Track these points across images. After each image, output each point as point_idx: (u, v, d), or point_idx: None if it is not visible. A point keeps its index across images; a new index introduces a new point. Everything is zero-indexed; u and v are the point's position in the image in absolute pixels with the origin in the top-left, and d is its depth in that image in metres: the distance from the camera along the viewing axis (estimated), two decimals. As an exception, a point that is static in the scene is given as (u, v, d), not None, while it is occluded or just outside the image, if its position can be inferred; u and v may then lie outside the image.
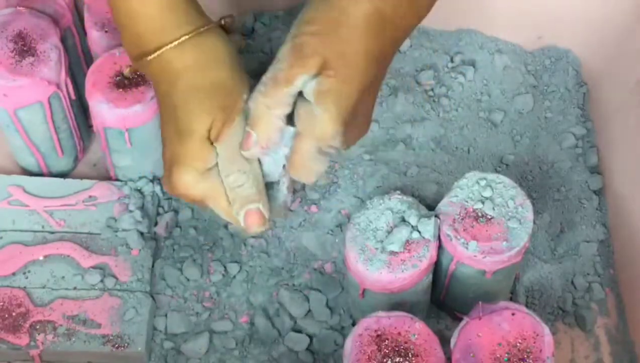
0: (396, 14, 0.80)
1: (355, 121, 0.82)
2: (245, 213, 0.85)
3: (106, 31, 1.03)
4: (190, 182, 0.84)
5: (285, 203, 0.88)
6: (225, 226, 1.04)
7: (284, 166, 0.85)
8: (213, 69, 0.84)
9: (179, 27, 0.83)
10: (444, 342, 0.88)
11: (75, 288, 0.99)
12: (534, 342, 0.86)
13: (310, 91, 0.80)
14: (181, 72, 0.83)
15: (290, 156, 0.83)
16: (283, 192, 0.87)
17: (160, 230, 1.03)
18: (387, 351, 0.86)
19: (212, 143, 0.84)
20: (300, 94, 0.81)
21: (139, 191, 1.05)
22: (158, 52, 0.83)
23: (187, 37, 0.83)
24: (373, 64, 0.80)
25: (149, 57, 0.83)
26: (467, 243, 0.90)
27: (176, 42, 0.83)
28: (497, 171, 1.07)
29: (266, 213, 0.85)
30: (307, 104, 0.81)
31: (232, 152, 0.84)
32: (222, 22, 0.86)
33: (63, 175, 1.08)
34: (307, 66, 0.79)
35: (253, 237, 1.03)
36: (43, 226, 1.02)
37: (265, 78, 0.81)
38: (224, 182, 0.85)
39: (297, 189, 1.03)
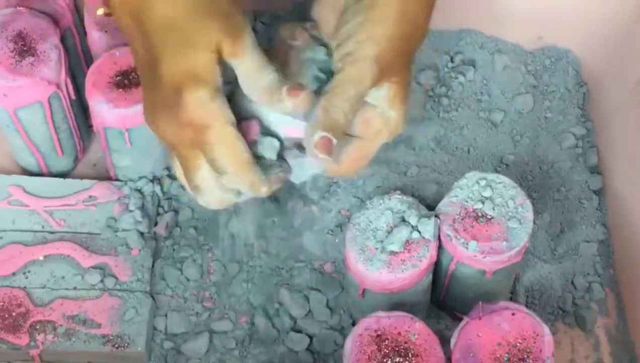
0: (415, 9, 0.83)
1: None
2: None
3: (106, 31, 1.03)
4: (203, 99, 0.79)
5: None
6: (225, 226, 1.04)
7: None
8: None
9: None
10: (444, 342, 0.88)
11: (75, 288, 0.99)
12: (534, 342, 0.86)
13: (379, 98, 0.83)
14: None
15: (347, 157, 0.84)
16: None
17: (160, 230, 1.03)
18: (387, 351, 0.86)
19: (218, 62, 0.81)
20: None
21: (139, 191, 1.05)
22: None
23: None
24: (413, 57, 0.85)
25: None
26: (467, 243, 0.90)
27: None
28: (497, 171, 1.07)
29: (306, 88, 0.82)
30: (370, 110, 0.83)
31: (257, 66, 0.82)
32: None
33: (63, 175, 1.08)
34: (383, 81, 0.82)
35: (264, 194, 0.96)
36: (43, 226, 1.02)
37: (342, 92, 0.82)
38: (258, 94, 0.83)
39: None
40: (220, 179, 0.82)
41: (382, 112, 0.83)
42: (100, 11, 0.85)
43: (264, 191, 0.83)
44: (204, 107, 0.79)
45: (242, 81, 0.83)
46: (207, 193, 0.84)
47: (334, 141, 0.81)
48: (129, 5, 0.80)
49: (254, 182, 0.83)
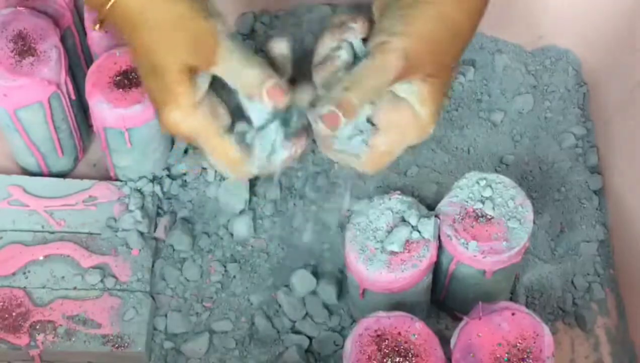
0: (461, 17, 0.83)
1: None
2: (266, 90, 0.83)
3: (106, 31, 1.03)
4: (177, 119, 0.83)
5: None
6: (225, 226, 1.04)
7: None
8: (169, 1, 0.82)
9: None
10: (444, 342, 0.88)
11: (75, 288, 0.99)
12: (534, 342, 0.86)
13: (410, 93, 0.84)
14: (139, 12, 0.82)
15: (372, 152, 0.86)
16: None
17: (159, 233, 1.03)
18: (387, 351, 0.86)
19: (191, 77, 0.83)
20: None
21: (139, 191, 1.05)
22: None
23: None
24: (454, 63, 0.85)
25: (107, 5, 0.82)
26: (467, 243, 0.90)
27: None
28: (497, 171, 1.07)
29: (285, 87, 0.84)
30: (402, 104, 0.84)
31: (235, 68, 0.84)
32: None
33: (63, 175, 1.08)
34: (410, 77, 0.82)
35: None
36: (43, 226, 1.02)
37: (364, 77, 0.82)
38: (243, 92, 0.85)
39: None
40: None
41: (412, 107, 0.84)
42: (96, 27, 0.87)
43: (256, 173, 0.87)
44: (180, 125, 0.84)
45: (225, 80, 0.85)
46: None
47: (342, 119, 0.81)
48: (117, 28, 0.84)
49: (248, 172, 0.87)
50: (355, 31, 0.86)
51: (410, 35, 0.82)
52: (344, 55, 0.86)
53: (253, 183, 1.06)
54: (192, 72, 0.83)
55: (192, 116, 0.84)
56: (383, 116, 0.84)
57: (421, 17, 0.82)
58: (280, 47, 0.87)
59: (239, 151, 0.86)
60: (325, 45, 0.86)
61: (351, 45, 0.86)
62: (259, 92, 0.84)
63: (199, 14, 0.83)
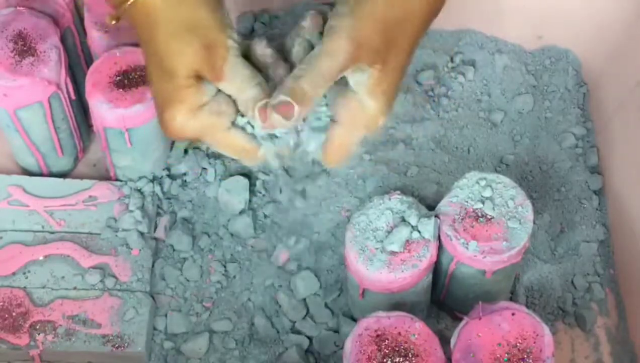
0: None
1: None
2: (275, 108, 0.81)
3: (106, 31, 1.03)
4: (182, 122, 0.84)
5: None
6: (225, 226, 1.04)
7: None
8: (190, 5, 0.83)
9: None
10: (444, 342, 0.88)
11: (75, 288, 0.99)
12: (534, 342, 0.86)
13: (360, 83, 0.83)
14: (157, 13, 0.82)
15: (328, 146, 0.85)
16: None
17: (159, 233, 1.03)
18: (387, 351, 0.86)
19: (197, 82, 0.83)
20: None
21: (139, 191, 1.05)
22: None
23: None
24: (411, 54, 0.84)
25: (127, 4, 0.82)
26: (467, 243, 0.90)
27: None
28: (497, 171, 1.07)
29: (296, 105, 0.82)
30: (350, 95, 0.84)
31: (238, 86, 0.84)
32: None
33: (63, 175, 1.08)
34: (361, 61, 0.81)
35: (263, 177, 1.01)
36: (43, 226, 1.02)
37: (314, 63, 0.82)
38: (240, 108, 0.85)
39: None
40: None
41: (361, 100, 0.83)
42: (112, 22, 0.87)
43: (273, 165, 0.88)
44: (184, 127, 0.84)
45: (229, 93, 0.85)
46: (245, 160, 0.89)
47: (296, 107, 0.80)
48: (133, 25, 0.84)
49: (259, 160, 0.87)
50: (307, 28, 0.86)
51: (359, 17, 0.81)
52: (299, 52, 0.85)
53: (253, 182, 1.06)
54: (199, 78, 0.83)
55: (197, 116, 0.84)
56: (335, 109, 0.84)
57: (372, 2, 0.81)
58: (261, 48, 0.87)
59: (246, 142, 0.86)
60: (287, 48, 0.87)
61: (308, 42, 0.86)
62: (252, 112, 0.84)
63: (216, 24, 0.83)
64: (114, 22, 0.85)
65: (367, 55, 0.81)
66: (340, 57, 0.81)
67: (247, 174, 1.06)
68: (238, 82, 0.84)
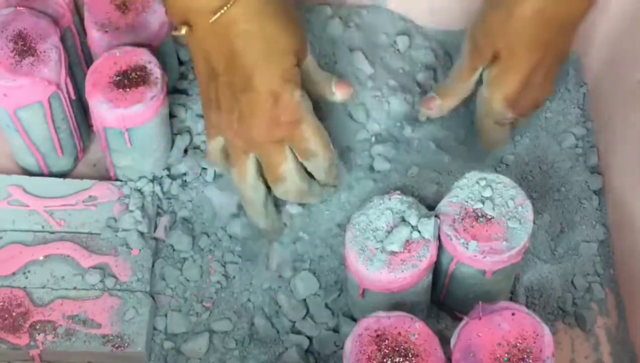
0: (558, 11, 0.96)
1: (526, 95, 1.01)
2: (335, 85, 0.98)
3: (106, 31, 1.03)
4: (298, 99, 0.93)
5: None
6: (224, 228, 1.04)
7: None
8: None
9: None
10: (444, 342, 0.88)
11: (75, 288, 0.99)
12: (534, 342, 0.86)
13: (485, 77, 1.01)
14: (262, 6, 0.90)
15: (479, 134, 1.07)
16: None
17: (159, 233, 1.03)
18: (387, 351, 0.86)
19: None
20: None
21: (139, 191, 1.05)
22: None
23: None
24: (537, 51, 0.98)
25: (214, 18, 0.88)
26: (467, 243, 0.90)
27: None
28: (497, 171, 1.07)
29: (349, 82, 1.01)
30: (482, 89, 1.03)
31: (315, 63, 0.98)
32: None
33: (63, 175, 1.08)
34: (483, 58, 1.00)
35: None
36: (43, 226, 1.02)
37: (452, 68, 1.04)
38: (312, 84, 0.97)
39: None
40: (304, 166, 0.97)
41: (482, 92, 1.04)
42: (183, 30, 0.91)
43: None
44: (299, 105, 0.93)
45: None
46: (289, 181, 0.97)
47: (438, 101, 1.05)
48: (215, 25, 0.89)
49: (334, 160, 0.98)
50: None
51: (483, 21, 0.99)
52: None
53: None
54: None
55: (304, 96, 0.94)
56: (477, 103, 1.07)
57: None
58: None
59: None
60: None
61: None
62: (330, 88, 0.98)
63: (299, 15, 0.96)
64: (182, 31, 0.91)
65: (485, 54, 0.99)
66: (467, 59, 1.00)
67: None
68: (314, 60, 0.97)
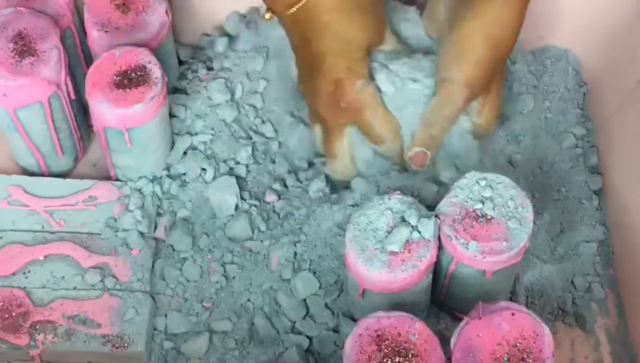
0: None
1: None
2: (411, 159, 1.00)
3: (106, 31, 1.03)
4: (360, 88, 0.97)
5: None
6: (222, 229, 1.04)
7: None
8: None
9: None
10: (444, 342, 0.88)
11: (75, 288, 0.99)
12: (534, 342, 0.86)
13: (471, 108, 1.02)
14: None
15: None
16: None
17: (159, 233, 1.03)
18: (387, 351, 0.86)
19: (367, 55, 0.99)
20: None
21: (139, 191, 1.05)
22: None
23: None
24: (501, 70, 1.02)
25: (295, 8, 0.95)
26: (467, 243, 0.90)
27: None
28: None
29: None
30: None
31: (394, 46, 1.03)
32: None
33: (63, 175, 1.08)
34: (473, 99, 1.00)
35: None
36: (43, 226, 1.02)
37: (437, 112, 0.99)
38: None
39: None
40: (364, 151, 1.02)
41: (471, 119, 1.02)
42: (267, 15, 0.99)
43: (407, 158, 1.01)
44: (360, 94, 0.98)
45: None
46: (339, 160, 1.03)
47: (429, 154, 0.99)
48: (294, 14, 0.96)
49: (401, 147, 1.01)
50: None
51: (465, 66, 0.97)
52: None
53: (243, 184, 1.06)
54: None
55: (370, 84, 0.98)
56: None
57: (471, 47, 0.97)
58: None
59: (398, 123, 1.00)
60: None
61: None
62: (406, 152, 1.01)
63: (381, 6, 1.01)
64: (267, 18, 0.98)
65: (478, 92, 0.99)
66: (459, 102, 0.98)
67: (235, 176, 1.06)
68: (394, 42, 1.02)
